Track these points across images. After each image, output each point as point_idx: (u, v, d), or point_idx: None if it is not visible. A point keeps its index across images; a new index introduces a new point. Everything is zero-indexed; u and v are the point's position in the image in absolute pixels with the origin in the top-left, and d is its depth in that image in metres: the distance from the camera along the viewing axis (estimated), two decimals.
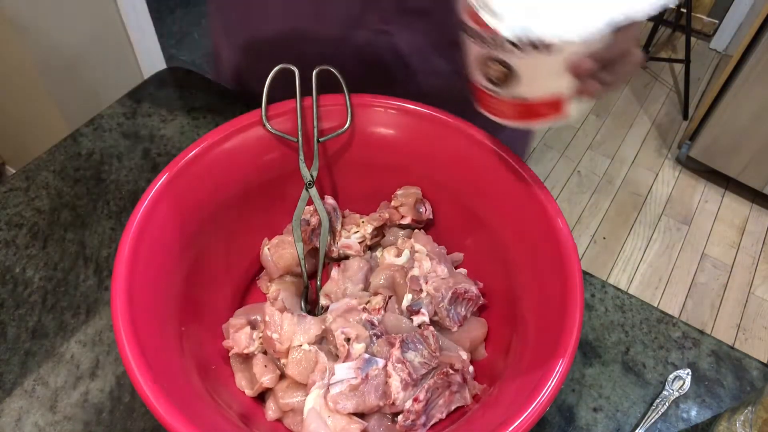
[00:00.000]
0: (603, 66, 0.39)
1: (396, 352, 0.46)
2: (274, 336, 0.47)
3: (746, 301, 1.74)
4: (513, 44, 0.38)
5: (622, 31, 0.38)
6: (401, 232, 0.57)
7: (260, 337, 0.49)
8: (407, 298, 0.50)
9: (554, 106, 0.42)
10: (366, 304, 0.51)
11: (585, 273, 0.60)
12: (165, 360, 0.41)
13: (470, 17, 0.39)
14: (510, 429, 0.37)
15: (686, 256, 1.83)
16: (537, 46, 0.37)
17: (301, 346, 0.47)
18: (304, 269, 0.53)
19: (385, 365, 0.46)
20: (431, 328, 0.49)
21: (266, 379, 0.47)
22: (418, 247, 0.54)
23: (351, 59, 0.58)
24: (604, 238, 1.86)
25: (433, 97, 0.55)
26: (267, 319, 0.48)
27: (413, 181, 0.57)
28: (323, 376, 0.45)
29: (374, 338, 0.48)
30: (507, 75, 0.41)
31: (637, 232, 1.88)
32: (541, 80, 0.41)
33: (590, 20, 0.36)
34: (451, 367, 0.47)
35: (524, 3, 0.37)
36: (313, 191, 0.53)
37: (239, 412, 0.45)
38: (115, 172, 0.70)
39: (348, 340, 0.47)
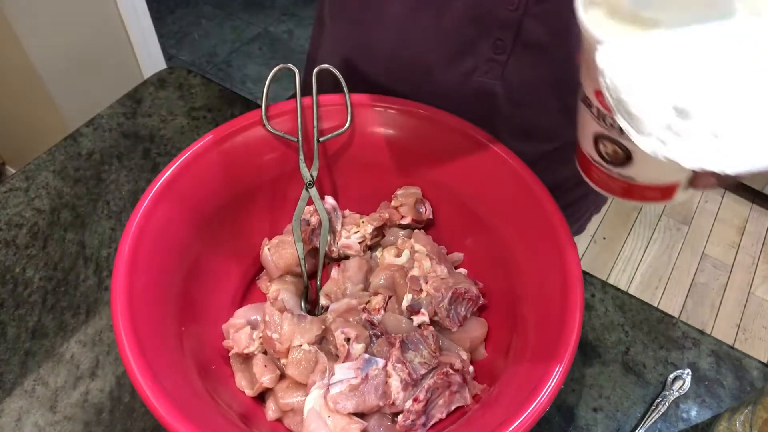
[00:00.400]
0: None
1: (396, 352, 0.46)
2: (274, 336, 0.47)
3: (746, 301, 1.74)
4: None
5: None
6: (401, 232, 0.57)
7: (260, 337, 0.49)
8: (407, 298, 0.50)
9: (663, 191, 0.40)
10: (366, 304, 0.51)
11: (585, 273, 0.60)
12: (165, 360, 0.41)
13: (596, 97, 0.35)
14: (510, 429, 0.37)
15: (686, 256, 1.83)
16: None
17: (301, 346, 0.47)
18: (304, 269, 0.53)
19: (385, 365, 0.46)
20: (431, 327, 0.49)
21: (266, 379, 0.47)
22: (418, 247, 0.54)
23: (456, 85, 0.56)
24: (604, 238, 1.86)
25: (537, 134, 0.54)
26: (267, 319, 0.48)
27: (413, 181, 0.57)
28: (323, 376, 0.45)
29: (374, 338, 0.48)
30: (621, 156, 0.38)
31: (637, 232, 1.88)
32: (657, 171, 0.38)
33: (741, 155, 0.29)
34: (451, 367, 0.47)
35: (671, 119, 0.30)
36: (313, 191, 0.53)
37: (239, 412, 0.45)
38: (115, 172, 0.70)
39: (348, 340, 0.47)
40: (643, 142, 0.31)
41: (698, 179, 0.38)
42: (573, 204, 0.75)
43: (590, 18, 0.33)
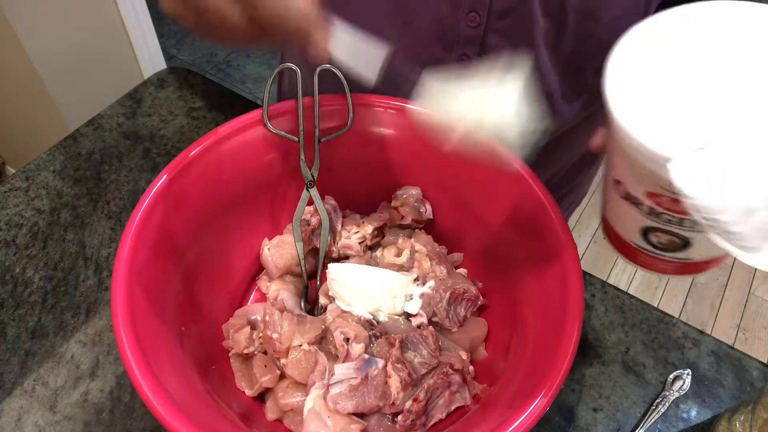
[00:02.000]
0: None
1: (396, 353, 0.46)
2: (274, 336, 0.47)
3: (746, 301, 1.74)
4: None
5: None
6: (401, 232, 0.57)
7: (260, 337, 0.49)
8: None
9: (718, 261, 0.38)
10: None
11: (585, 273, 0.60)
12: (165, 360, 0.41)
13: (650, 198, 0.32)
14: (510, 429, 0.37)
15: None
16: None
17: (300, 346, 0.47)
18: (303, 269, 0.53)
19: (385, 365, 0.45)
20: (430, 328, 0.49)
21: (266, 379, 0.47)
22: (418, 247, 0.54)
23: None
24: (604, 238, 1.86)
25: None
26: (267, 319, 0.48)
27: (413, 181, 0.57)
28: (323, 377, 0.45)
29: (374, 338, 0.48)
30: (678, 245, 0.35)
31: None
32: (717, 249, 0.34)
33: None
34: (451, 367, 0.47)
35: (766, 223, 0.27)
36: (314, 191, 0.53)
37: (239, 412, 0.45)
38: (115, 172, 0.70)
39: (347, 340, 0.47)
40: (753, 259, 0.28)
41: None
42: (560, 199, 0.76)
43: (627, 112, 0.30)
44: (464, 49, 0.54)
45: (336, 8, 0.56)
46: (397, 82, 0.58)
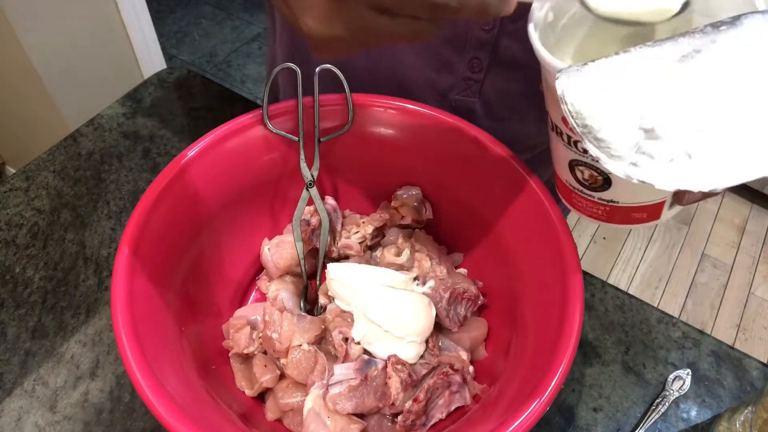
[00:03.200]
0: None
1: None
2: (274, 336, 0.47)
3: (746, 301, 1.74)
4: None
5: None
6: (401, 232, 0.57)
7: (260, 337, 0.49)
8: None
9: (648, 210, 0.39)
10: None
11: (585, 273, 0.60)
12: (165, 360, 0.41)
13: (564, 124, 0.35)
14: (510, 429, 0.37)
15: (686, 256, 1.83)
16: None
17: (300, 345, 0.47)
18: (303, 269, 0.53)
19: (385, 366, 0.45)
20: None
21: (266, 379, 0.47)
22: (418, 246, 0.54)
23: (433, 104, 0.55)
24: (604, 238, 1.86)
25: (518, 145, 0.53)
26: (267, 318, 0.48)
27: (413, 181, 0.57)
28: (322, 377, 0.45)
29: None
30: (600, 181, 0.37)
31: (637, 232, 1.88)
32: (638, 191, 0.37)
33: (713, 173, 0.29)
34: (451, 367, 0.47)
35: (640, 140, 0.30)
36: (314, 191, 0.53)
37: (239, 412, 0.45)
38: (115, 172, 0.70)
39: (346, 339, 0.47)
40: (614, 166, 0.30)
41: (682, 195, 0.37)
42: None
43: (546, 46, 0.34)
44: (476, 52, 0.53)
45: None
46: (407, 86, 0.58)
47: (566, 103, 0.31)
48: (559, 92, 0.31)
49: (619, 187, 0.37)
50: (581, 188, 0.39)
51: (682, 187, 0.29)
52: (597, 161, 0.32)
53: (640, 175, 0.30)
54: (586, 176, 0.37)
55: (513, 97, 0.58)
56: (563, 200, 0.43)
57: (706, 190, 0.29)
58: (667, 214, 0.39)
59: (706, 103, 0.30)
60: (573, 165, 0.38)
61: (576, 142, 0.36)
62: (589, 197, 0.39)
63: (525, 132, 0.61)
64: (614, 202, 0.38)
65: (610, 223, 0.40)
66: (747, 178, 0.29)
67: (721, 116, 0.30)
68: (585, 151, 0.35)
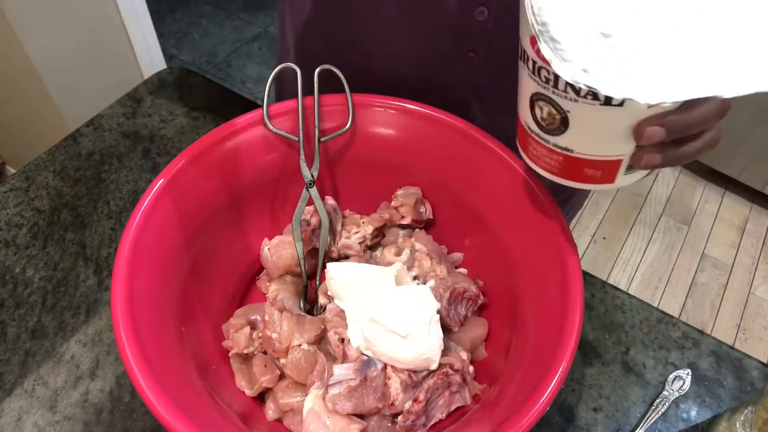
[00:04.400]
0: (673, 139, 0.34)
1: None
2: (273, 336, 0.47)
3: (746, 301, 1.74)
4: (572, 88, 0.33)
5: (706, 103, 0.33)
6: (401, 232, 0.57)
7: (260, 337, 0.49)
8: None
9: (603, 168, 0.37)
10: None
11: (585, 273, 0.60)
12: (165, 360, 0.41)
13: (531, 44, 0.34)
14: (510, 429, 0.37)
15: (686, 256, 1.83)
16: (599, 98, 0.32)
17: (300, 345, 0.47)
18: (303, 269, 0.53)
19: (384, 367, 0.45)
20: None
21: (266, 379, 0.47)
22: (418, 246, 0.54)
23: (430, 96, 0.55)
24: (604, 238, 1.86)
25: (515, 140, 0.53)
26: (266, 318, 0.48)
27: (413, 181, 0.57)
28: (322, 377, 0.45)
29: None
30: (557, 121, 0.36)
31: (637, 233, 1.88)
32: (595, 137, 0.36)
33: (673, 86, 0.29)
34: (451, 367, 0.47)
35: (597, 46, 0.30)
36: (314, 191, 0.53)
37: (239, 412, 0.45)
38: (115, 172, 0.70)
39: (342, 340, 0.47)
40: (564, 69, 0.30)
41: (640, 156, 0.35)
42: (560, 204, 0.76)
43: None
44: (473, 45, 0.53)
45: (344, 6, 0.56)
46: (405, 82, 0.58)
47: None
48: None
49: (577, 130, 0.35)
50: (538, 131, 0.38)
51: (627, 96, 0.29)
52: (558, 94, 0.32)
53: (587, 80, 0.30)
54: (545, 115, 0.36)
55: (510, 93, 0.58)
56: (521, 150, 0.41)
57: (652, 102, 0.29)
58: (622, 178, 0.38)
59: (668, 19, 0.30)
60: (534, 100, 0.36)
61: (540, 69, 0.34)
62: (545, 143, 0.38)
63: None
64: (568, 150, 0.37)
65: (562, 178, 0.39)
66: (694, 95, 0.29)
67: (681, 35, 0.30)
68: (547, 81, 0.34)
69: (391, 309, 0.46)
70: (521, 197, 0.49)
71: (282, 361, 0.48)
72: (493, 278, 0.54)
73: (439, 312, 0.49)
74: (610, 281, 1.69)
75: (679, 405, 0.55)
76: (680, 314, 1.69)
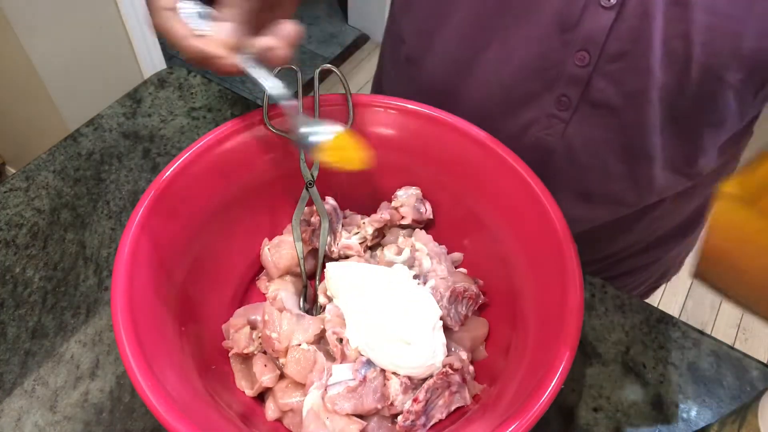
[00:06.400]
0: None
1: None
2: (273, 335, 0.47)
3: None
4: None
5: None
6: (402, 232, 0.57)
7: (260, 337, 0.49)
8: None
9: None
10: None
11: (585, 273, 0.60)
12: (165, 360, 0.41)
13: None
14: (510, 429, 0.37)
15: None
16: None
17: (299, 345, 0.47)
18: (303, 269, 0.53)
19: None
20: None
21: (266, 378, 0.47)
22: (418, 245, 0.54)
23: (512, 136, 0.53)
24: None
25: (598, 199, 0.51)
26: (266, 318, 0.48)
27: (413, 181, 0.57)
28: (321, 376, 0.45)
29: None
30: None
31: None
32: None
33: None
34: (451, 367, 0.47)
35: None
36: (314, 191, 0.53)
37: (239, 412, 0.45)
38: (115, 172, 0.70)
39: (340, 340, 0.47)
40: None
41: None
42: (633, 272, 0.71)
43: None
44: (566, 89, 0.50)
45: (437, 33, 0.54)
46: (487, 115, 0.54)
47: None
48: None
49: None
50: None
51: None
52: None
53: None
54: None
55: (598, 144, 0.54)
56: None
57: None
58: None
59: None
60: None
61: None
62: None
63: (608, 186, 0.57)
64: None
65: None
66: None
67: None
68: None
69: (393, 314, 0.46)
70: (521, 197, 0.49)
71: (282, 360, 0.48)
72: (493, 278, 0.54)
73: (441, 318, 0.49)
74: None
75: (679, 405, 0.55)
76: (680, 314, 1.69)
